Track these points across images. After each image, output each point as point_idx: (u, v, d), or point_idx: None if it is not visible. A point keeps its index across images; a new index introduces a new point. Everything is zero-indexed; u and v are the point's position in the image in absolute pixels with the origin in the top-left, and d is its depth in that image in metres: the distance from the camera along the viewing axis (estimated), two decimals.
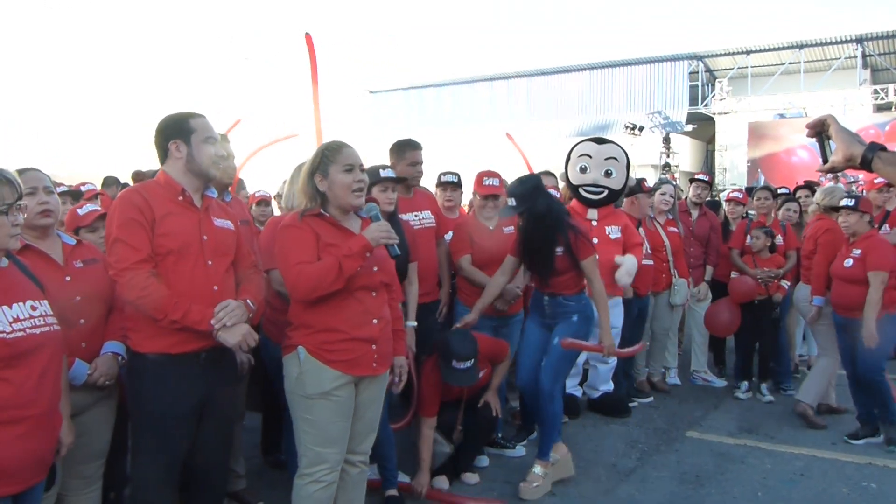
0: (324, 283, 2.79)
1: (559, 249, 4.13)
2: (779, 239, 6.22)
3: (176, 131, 2.82)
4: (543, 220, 4.11)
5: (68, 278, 2.87)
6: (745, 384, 6.20)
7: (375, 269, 2.99)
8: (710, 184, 7.06)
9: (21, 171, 2.82)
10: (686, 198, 6.90)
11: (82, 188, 6.12)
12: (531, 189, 4.23)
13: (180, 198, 2.81)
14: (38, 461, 2.25)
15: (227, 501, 3.81)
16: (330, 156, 2.96)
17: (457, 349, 3.86)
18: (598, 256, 4.23)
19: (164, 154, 2.86)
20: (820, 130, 1.93)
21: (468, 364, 3.88)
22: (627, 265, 5.25)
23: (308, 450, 2.93)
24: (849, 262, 4.88)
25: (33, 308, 2.26)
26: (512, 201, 4.23)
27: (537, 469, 4.16)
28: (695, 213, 6.65)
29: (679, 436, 5.14)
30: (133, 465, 2.89)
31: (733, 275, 6.28)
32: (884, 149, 1.79)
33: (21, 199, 2.25)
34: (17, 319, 2.18)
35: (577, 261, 4.10)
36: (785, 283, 6.14)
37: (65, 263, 2.91)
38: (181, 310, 2.65)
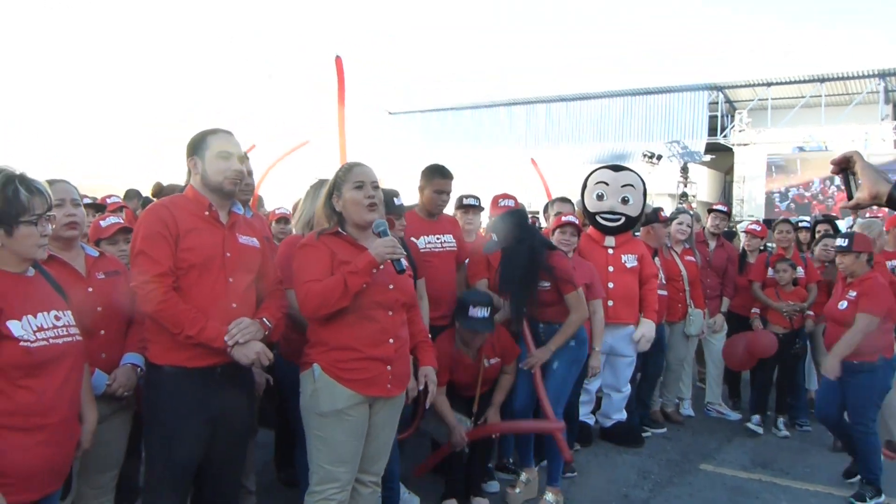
0: (330, 301, 2.82)
1: (545, 284, 4.24)
2: (799, 271, 6.18)
3: (193, 148, 2.89)
4: (523, 262, 4.17)
5: (90, 289, 2.91)
6: (757, 417, 6.13)
7: (391, 287, 3.00)
8: (728, 214, 7.04)
9: (51, 183, 2.87)
10: (704, 228, 6.89)
11: (108, 200, 6.19)
12: (513, 226, 4.29)
13: (207, 213, 2.85)
14: (56, 469, 2.29)
15: None
16: (342, 175, 3.03)
17: (473, 296, 4.02)
18: (581, 291, 4.36)
19: (187, 171, 2.93)
20: (845, 167, 1.93)
21: (485, 312, 3.94)
22: (647, 332, 5.32)
23: (319, 468, 2.93)
24: (843, 305, 4.66)
25: (57, 318, 2.30)
26: (494, 237, 4.25)
27: (549, 497, 4.20)
28: (712, 244, 6.63)
29: (692, 468, 5.09)
30: (145, 476, 2.90)
31: (755, 323, 6.21)
32: None
33: (51, 210, 2.30)
34: (40, 329, 2.22)
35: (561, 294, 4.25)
36: (810, 312, 6.10)
37: (87, 275, 2.95)
38: (197, 326, 2.68)
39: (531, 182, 11.60)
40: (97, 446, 2.81)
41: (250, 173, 3.87)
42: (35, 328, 2.19)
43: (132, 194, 8.30)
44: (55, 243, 2.89)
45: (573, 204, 6.15)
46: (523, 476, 4.35)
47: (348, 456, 2.94)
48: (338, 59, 5.37)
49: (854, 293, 4.61)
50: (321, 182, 3.64)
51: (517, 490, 4.30)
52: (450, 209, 4.95)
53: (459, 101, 36.37)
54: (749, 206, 28.24)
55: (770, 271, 6.25)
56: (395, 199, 3.83)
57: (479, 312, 3.94)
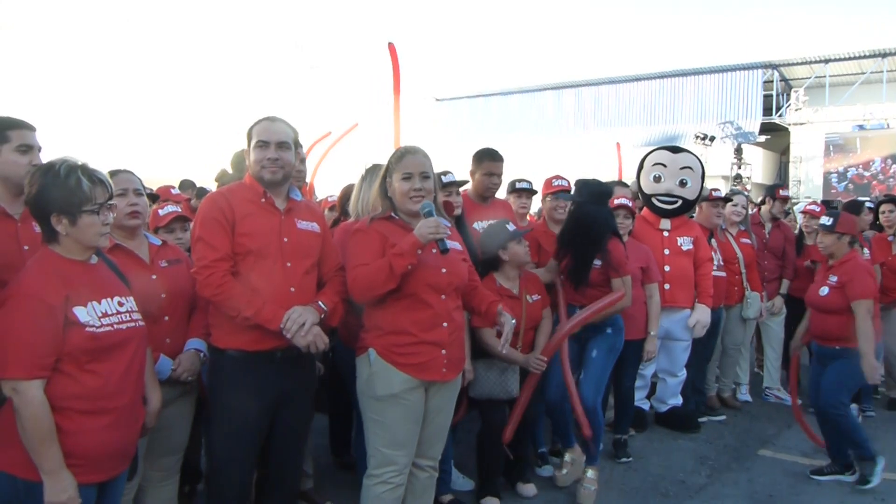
0: (377, 283, 2.84)
1: (597, 262, 4.15)
2: (865, 252, 5.99)
3: (247, 138, 2.97)
4: (600, 221, 4.12)
5: (154, 277, 2.97)
6: None
7: (444, 270, 3.00)
8: (785, 199, 6.82)
9: (113, 173, 2.95)
10: (759, 209, 6.71)
11: (172, 191, 6.33)
12: (597, 192, 4.22)
13: (262, 200, 2.90)
14: (122, 451, 2.35)
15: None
16: (394, 162, 3.04)
17: (498, 224, 4.05)
18: (629, 279, 4.27)
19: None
20: None
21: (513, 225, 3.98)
22: (702, 318, 5.24)
23: (377, 451, 2.96)
24: (825, 291, 4.49)
25: (120, 304, 2.36)
26: (572, 191, 4.20)
27: (590, 473, 4.22)
28: (768, 225, 6.46)
29: (751, 454, 5.00)
30: (209, 459, 2.97)
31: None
32: None
33: (112, 199, 2.35)
34: (105, 315, 2.27)
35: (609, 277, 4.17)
36: None
37: (151, 262, 3.02)
38: (254, 307, 2.74)
39: (597, 164, 11.46)
40: (162, 430, 2.89)
41: (303, 160, 3.90)
42: (100, 314, 2.25)
43: (187, 185, 8.47)
44: (119, 232, 2.95)
45: (629, 187, 6.05)
46: (567, 456, 4.32)
47: (405, 439, 2.96)
48: (391, 46, 5.38)
49: (835, 278, 4.45)
50: (375, 167, 3.66)
51: (564, 471, 4.29)
52: (502, 193, 4.92)
53: (506, 85, 36.15)
54: (806, 187, 27.50)
55: None
56: (443, 177, 3.82)
57: (511, 226, 3.96)
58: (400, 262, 2.82)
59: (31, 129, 2.79)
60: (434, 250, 2.92)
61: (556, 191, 4.67)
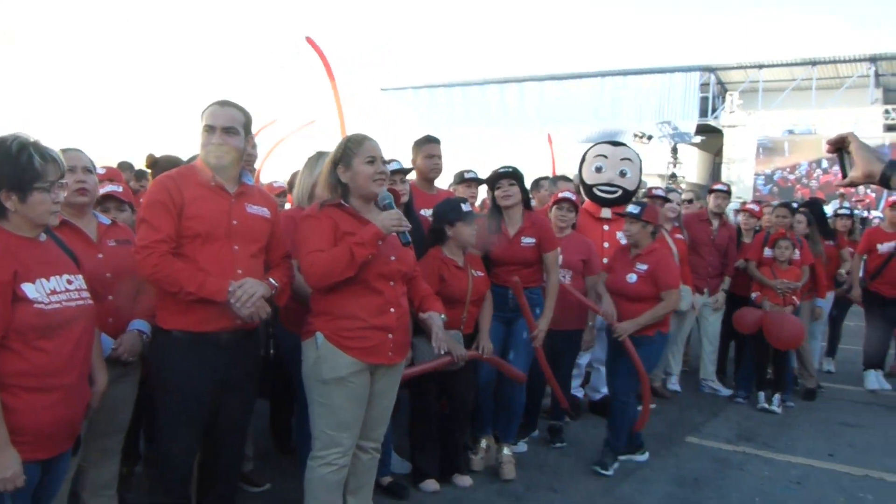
0: (335, 270, 2.88)
1: (530, 240, 4.30)
2: (795, 253, 6.29)
3: (202, 121, 2.94)
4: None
5: (101, 256, 2.96)
6: (742, 392, 6.32)
7: (393, 258, 3.07)
8: (728, 193, 7.09)
9: (64, 151, 2.92)
10: (705, 207, 6.94)
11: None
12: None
13: (212, 183, 2.90)
14: (68, 429, 2.34)
15: None
16: (353, 147, 3.06)
17: (453, 200, 4.18)
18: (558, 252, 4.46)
19: None
20: (840, 146, 2.00)
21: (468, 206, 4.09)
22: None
23: (322, 433, 3.01)
24: (633, 278, 4.51)
25: (69, 282, 2.35)
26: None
27: (506, 451, 4.39)
28: (715, 223, 6.69)
29: (678, 440, 5.22)
30: (151, 440, 2.97)
31: (753, 295, 6.29)
32: None
33: (63, 177, 2.33)
34: (53, 292, 2.26)
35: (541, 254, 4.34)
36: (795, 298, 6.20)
37: (98, 241, 3.01)
38: (196, 281, 2.74)
39: (534, 159, 11.69)
40: (103, 410, 2.87)
41: (254, 146, 3.89)
42: (48, 291, 2.24)
43: (125, 166, 8.29)
44: (67, 209, 2.94)
45: (571, 181, 6.22)
46: (483, 442, 4.45)
47: (350, 422, 3.02)
48: (308, 39, 5.46)
49: (645, 266, 4.50)
50: (319, 154, 3.69)
51: (479, 456, 4.41)
52: (445, 184, 5.02)
53: (451, 77, 36.24)
54: (738, 187, 28.25)
55: (767, 251, 6.35)
56: (388, 165, 3.89)
57: (466, 206, 4.04)
58: (361, 251, 2.87)
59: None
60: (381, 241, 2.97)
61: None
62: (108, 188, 3.82)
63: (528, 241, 4.36)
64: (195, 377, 2.84)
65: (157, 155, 7.18)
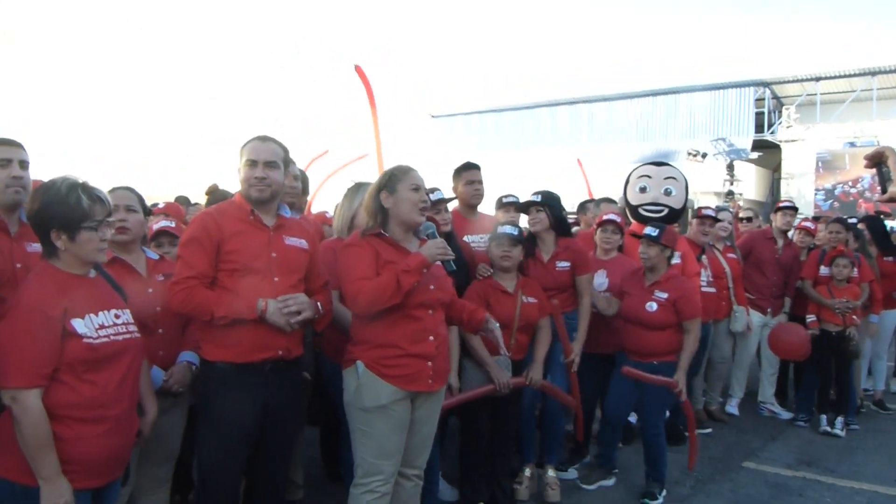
0: (382, 298, 2.92)
1: (565, 264, 4.33)
2: (854, 270, 6.11)
3: (239, 157, 3.05)
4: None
5: (150, 290, 3.08)
6: (804, 415, 6.13)
7: (432, 287, 3.11)
8: (796, 210, 6.91)
9: (112, 190, 3.07)
10: (771, 225, 6.77)
11: (159, 204, 6.42)
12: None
13: (251, 217, 3.00)
14: (118, 458, 2.43)
15: None
16: (399, 175, 3.12)
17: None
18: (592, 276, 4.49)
19: None
20: (879, 161, 1.97)
21: (513, 229, 4.08)
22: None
23: (364, 461, 3.04)
24: (653, 307, 4.33)
25: (117, 316, 2.45)
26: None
27: (550, 473, 4.40)
28: (780, 242, 6.54)
29: (735, 465, 5.08)
30: (199, 469, 3.04)
31: (809, 318, 6.12)
32: None
33: (111, 216, 2.45)
34: (102, 326, 2.37)
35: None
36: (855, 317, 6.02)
37: (148, 276, 3.13)
38: (224, 305, 2.83)
39: (574, 182, 11.71)
40: (154, 439, 2.97)
41: (296, 177, 3.99)
42: (97, 326, 2.34)
43: (182, 201, 8.56)
44: (115, 246, 3.07)
45: (616, 203, 6.18)
46: (527, 471, 4.43)
47: (392, 449, 3.05)
48: (357, 69, 5.55)
49: (665, 294, 4.34)
50: (358, 186, 3.77)
51: (524, 485, 4.37)
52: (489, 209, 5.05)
53: (501, 102, 36.40)
54: (798, 203, 27.49)
55: (823, 269, 6.18)
56: (431, 195, 3.93)
57: (508, 229, 4.06)
58: (408, 279, 2.92)
59: (9, 144, 2.89)
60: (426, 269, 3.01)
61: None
62: (161, 223, 3.99)
63: (562, 265, 4.38)
64: (239, 407, 2.91)
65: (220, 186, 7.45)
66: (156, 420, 2.85)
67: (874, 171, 2.05)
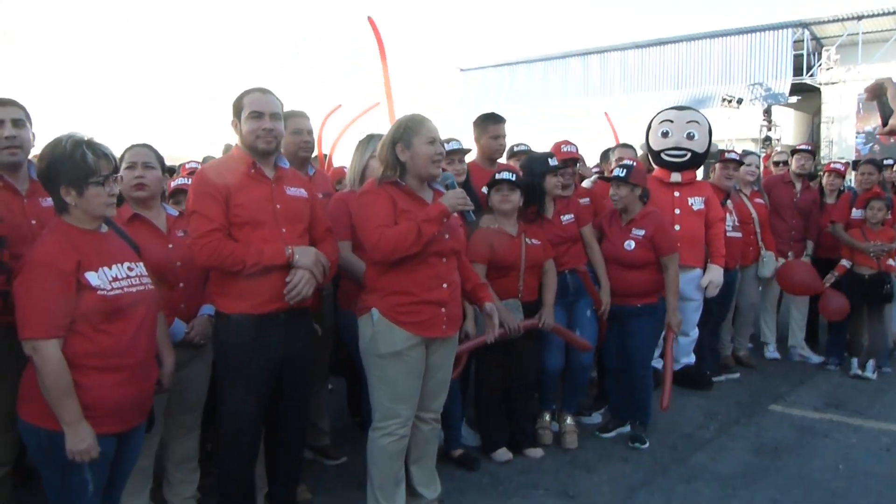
0: (403, 246, 2.95)
1: (569, 217, 4.33)
2: (888, 213, 5.98)
3: (235, 109, 3.01)
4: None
5: (170, 246, 3.16)
6: (834, 359, 6.09)
7: (447, 236, 3.13)
8: (813, 154, 6.79)
9: (130, 147, 3.16)
10: (789, 169, 6.66)
11: (187, 165, 6.50)
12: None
13: (252, 170, 2.98)
14: (138, 405, 2.52)
15: (312, 455, 4.09)
16: (414, 127, 3.10)
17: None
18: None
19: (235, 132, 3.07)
20: (880, 94, 1.93)
21: (510, 174, 4.05)
22: (715, 279, 5.28)
23: (381, 405, 3.12)
24: (630, 245, 4.34)
25: (130, 269, 2.52)
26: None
27: (569, 420, 4.47)
28: (798, 185, 6.44)
29: (761, 409, 5.08)
30: (222, 418, 3.08)
31: (843, 261, 6.05)
32: None
33: (117, 171, 2.50)
34: (115, 279, 2.44)
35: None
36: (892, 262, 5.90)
37: (168, 232, 3.21)
38: (254, 252, 2.85)
39: (601, 134, 11.58)
40: (178, 390, 3.09)
41: (309, 132, 4.00)
42: (110, 278, 2.41)
43: (209, 160, 8.65)
44: (133, 203, 3.17)
45: (634, 149, 6.09)
46: (546, 417, 4.49)
47: (408, 394, 3.11)
48: (370, 20, 5.52)
49: (642, 231, 4.34)
50: (370, 137, 3.77)
51: (544, 429, 4.44)
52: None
53: (531, 53, 35.83)
54: (839, 147, 26.93)
55: (855, 211, 6.06)
56: (446, 145, 3.92)
57: (505, 174, 4.03)
58: (429, 228, 2.96)
59: (3, 103, 2.98)
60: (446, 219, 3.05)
61: (565, 158, 4.65)
62: (178, 181, 4.06)
63: (567, 218, 4.39)
64: (259, 357, 2.96)
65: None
66: (178, 371, 2.94)
67: (876, 102, 1.99)
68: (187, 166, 6.63)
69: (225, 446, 3.06)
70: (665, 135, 5.40)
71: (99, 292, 2.35)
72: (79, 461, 2.31)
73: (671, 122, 5.40)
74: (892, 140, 24.83)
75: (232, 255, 2.84)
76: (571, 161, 4.68)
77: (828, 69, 27.35)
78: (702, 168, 5.87)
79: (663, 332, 4.59)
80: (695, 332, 5.55)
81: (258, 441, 3.12)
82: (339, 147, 8.21)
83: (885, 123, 1.91)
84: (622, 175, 4.39)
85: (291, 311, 2.98)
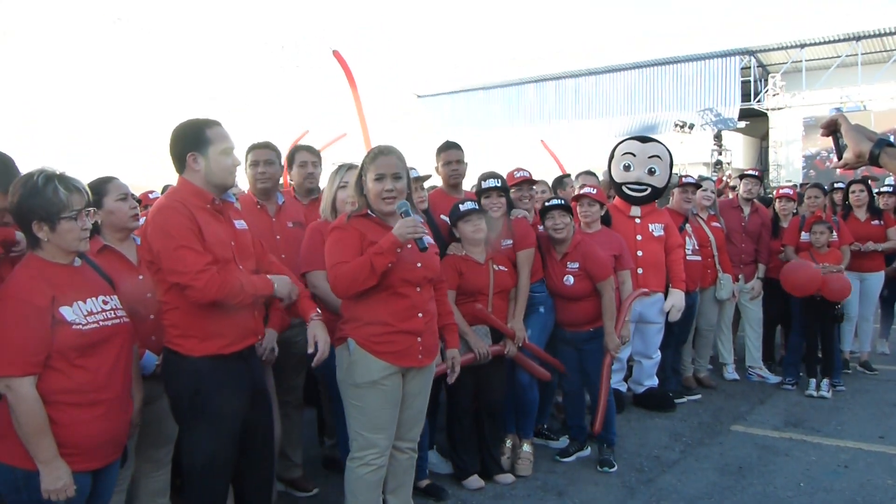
0: (358, 280, 2.98)
1: (507, 242, 4.35)
2: (833, 235, 6.19)
3: (193, 143, 2.82)
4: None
5: (141, 277, 3.12)
6: (790, 378, 6.25)
7: (419, 265, 3.15)
8: (760, 179, 7.00)
9: (109, 179, 3.14)
10: (738, 194, 6.87)
11: (150, 195, 6.43)
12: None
13: (209, 206, 2.86)
14: (114, 440, 2.50)
15: (284, 488, 4.05)
16: (367, 163, 3.16)
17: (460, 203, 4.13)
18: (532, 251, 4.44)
19: (181, 164, 2.86)
20: (834, 129, 2.02)
21: (473, 204, 4.08)
22: (677, 303, 5.42)
23: (358, 435, 3.12)
24: (570, 280, 4.43)
25: (105, 302, 2.50)
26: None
27: (526, 447, 4.45)
28: (746, 209, 6.63)
29: (724, 429, 5.18)
30: (188, 467, 2.92)
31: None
32: (891, 144, 1.87)
33: (90, 205, 2.48)
34: (90, 313, 2.42)
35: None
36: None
37: (139, 264, 3.17)
38: (252, 283, 2.81)
39: (570, 155, 11.81)
40: (151, 423, 3.05)
41: (266, 162, 4.00)
42: (85, 312, 2.39)
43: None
44: (119, 234, 3.16)
45: (596, 177, 6.22)
46: (508, 442, 4.51)
47: (385, 423, 3.12)
48: (335, 53, 5.58)
49: (576, 265, 4.42)
50: (340, 167, 3.79)
51: (505, 456, 4.44)
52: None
53: (487, 80, 36.26)
54: (787, 170, 27.82)
55: (804, 235, 6.26)
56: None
57: (468, 205, 4.07)
58: (380, 260, 2.96)
59: None
60: (409, 246, 3.06)
61: (519, 181, 4.78)
62: None
63: (506, 243, 4.38)
64: (230, 399, 2.84)
65: None
66: (148, 405, 2.91)
67: (831, 138, 2.08)
68: (150, 196, 6.60)
69: (198, 488, 2.89)
70: (627, 168, 5.54)
71: (74, 327, 2.33)
72: (54, 501, 2.27)
73: (633, 155, 5.53)
74: (827, 164, 25.80)
75: (236, 285, 2.73)
76: (526, 184, 4.80)
77: (774, 95, 28.36)
78: None
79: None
80: (658, 355, 5.67)
81: (228, 485, 3.02)
82: None
83: (839, 158, 2.00)
84: (563, 204, 4.47)
85: (252, 347, 2.96)
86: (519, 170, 4.89)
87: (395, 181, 3.12)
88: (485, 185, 4.40)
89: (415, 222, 3.03)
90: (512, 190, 4.71)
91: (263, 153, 4.03)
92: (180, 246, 2.69)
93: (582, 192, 4.96)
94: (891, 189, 7.54)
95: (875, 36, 26.96)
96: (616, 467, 4.44)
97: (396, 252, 3.01)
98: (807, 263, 5.90)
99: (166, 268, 2.72)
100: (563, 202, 4.51)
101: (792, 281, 5.89)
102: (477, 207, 4.08)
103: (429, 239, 3.18)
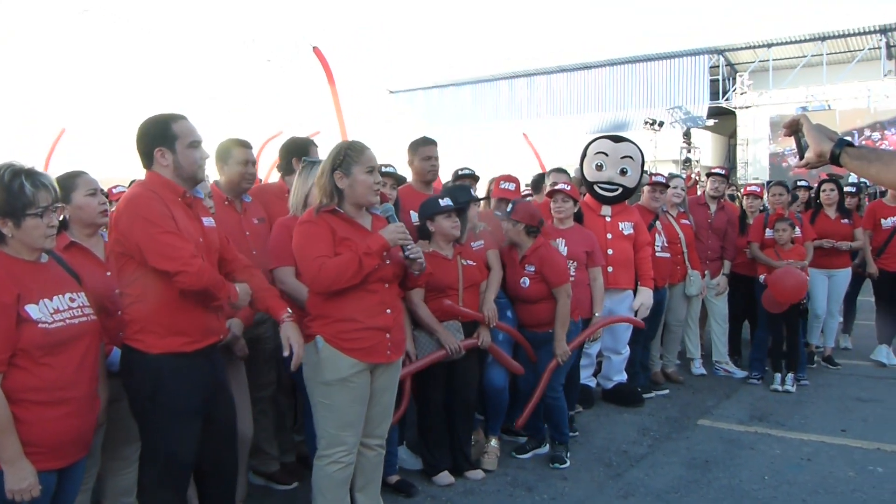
0: (343, 278, 2.97)
1: (479, 243, 4.41)
2: (796, 231, 6.30)
3: (160, 137, 2.78)
4: None
5: (109, 273, 3.08)
6: (756, 373, 6.37)
7: (388, 262, 3.16)
8: (727, 177, 7.10)
9: (79, 174, 3.08)
10: (704, 191, 6.96)
11: (114, 190, 6.36)
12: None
13: (180, 199, 2.82)
14: (80, 439, 2.47)
15: (264, 482, 4.05)
16: (353, 156, 3.11)
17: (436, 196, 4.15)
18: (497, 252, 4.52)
19: (148, 159, 2.82)
20: (796, 129, 2.05)
21: (448, 200, 4.03)
22: (646, 300, 5.50)
23: (326, 433, 3.11)
24: (526, 282, 4.45)
25: (72, 300, 2.47)
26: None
27: (493, 442, 4.49)
28: (713, 207, 6.71)
29: (690, 424, 5.26)
30: (155, 457, 2.83)
31: (761, 277, 6.25)
32: (851, 144, 1.91)
33: (57, 202, 2.44)
34: (57, 311, 2.39)
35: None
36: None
37: (106, 260, 3.13)
38: (226, 288, 2.80)
39: (526, 156, 11.86)
40: (118, 421, 3.01)
41: (254, 163, 4.01)
42: (52, 310, 2.36)
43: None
44: (87, 230, 3.12)
45: (568, 174, 6.26)
46: (494, 442, 4.53)
47: (353, 420, 3.12)
48: (316, 49, 5.55)
49: (533, 268, 4.44)
50: (311, 163, 3.76)
51: (492, 457, 4.46)
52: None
53: (460, 76, 36.33)
54: (754, 168, 28.26)
55: (768, 231, 6.37)
56: (382, 168, 3.95)
57: (445, 200, 4.04)
58: (369, 261, 2.97)
59: None
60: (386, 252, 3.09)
61: (499, 197, 4.87)
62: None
63: (476, 244, 4.43)
64: (193, 397, 2.80)
65: None
66: (117, 403, 2.87)
67: (793, 138, 2.12)
68: (115, 191, 6.53)
69: (159, 486, 2.83)
70: (599, 167, 5.58)
71: (40, 325, 2.30)
72: (19, 501, 2.24)
73: (606, 155, 5.58)
74: (789, 162, 26.31)
75: (219, 279, 2.73)
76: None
77: (742, 93, 28.76)
78: None
79: (575, 353, 4.76)
80: (626, 351, 5.73)
81: (190, 475, 2.97)
82: (273, 173, 8.17)
83: (801, 158, 2.03)
84: (508, 211, 4.50)
85: (214, 344, 2.93)
86: (507, 180, 4.99)
87: (380, 175, 3.19)
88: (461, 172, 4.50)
89: (404, 228, 3.08)
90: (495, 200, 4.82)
91: (251, 153, 4.02)
92: (166, 231, 2.64)
93: (557, 187, 4.99)
94: (853, 189, 7.73)
95: (840, 36, 27.53)
96: (568, 463, 4.47)
97: (383, 255, 3.03)
98: (794, 269, 6.00)
99: (154, 254, 2.62)
100: (507, 210, 4.52)
101: (780, 287, 5.96)
102: (453, 205, 4.06)
103: (417, 249, 3.19)
